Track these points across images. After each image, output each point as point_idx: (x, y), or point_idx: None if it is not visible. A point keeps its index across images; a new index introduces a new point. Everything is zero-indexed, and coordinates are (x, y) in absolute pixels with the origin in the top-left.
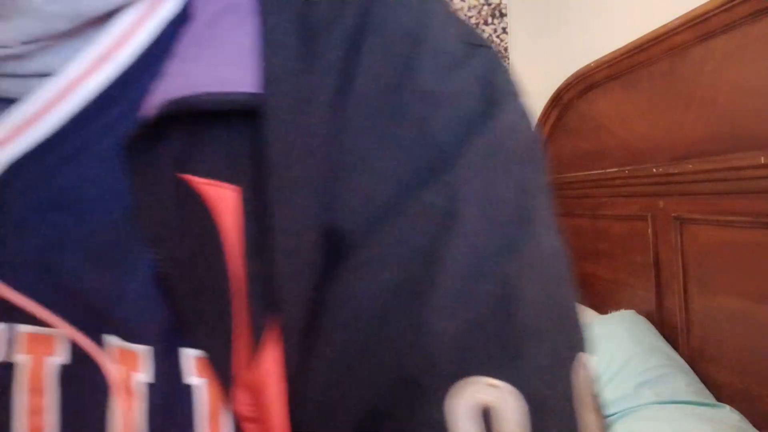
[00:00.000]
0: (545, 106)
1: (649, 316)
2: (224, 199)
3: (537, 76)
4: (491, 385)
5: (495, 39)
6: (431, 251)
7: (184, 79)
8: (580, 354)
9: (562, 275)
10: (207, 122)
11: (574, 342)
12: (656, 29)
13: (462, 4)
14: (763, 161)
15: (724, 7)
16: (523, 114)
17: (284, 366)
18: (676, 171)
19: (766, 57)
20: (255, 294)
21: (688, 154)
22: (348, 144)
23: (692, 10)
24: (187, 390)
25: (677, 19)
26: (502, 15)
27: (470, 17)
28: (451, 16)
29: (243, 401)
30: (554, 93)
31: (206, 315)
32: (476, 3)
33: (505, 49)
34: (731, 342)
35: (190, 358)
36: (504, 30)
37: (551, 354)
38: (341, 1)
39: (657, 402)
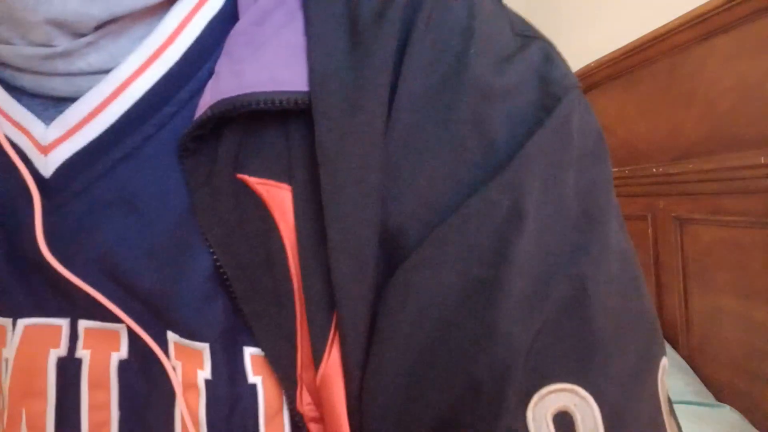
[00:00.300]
0: None
1: None
2: (279, 199)
3: None
4: (569, 391)
5: None
6: (497, 252)
7: (236, 78)
8: (663, 359)
9: (634, 277)
10: (261, 121)
11: (654, 347)
12: (656, 29)
13: None
14: (763, 161)
15: (724, 7)
16: (582, 106)
17: (344, 367)
18: (676, 171)
19: (766, 57)
20: (314, 294)
21: (689, 153)
22: (402, 141)
23: (692, 10)
24: (246, 387)
25: (677, 19)
26: None
27: None
28: (504, 8)
29: (306, 401)
30: None
31: (268, 314)
32: None
33: None
34: (731, 341)
35: (249, 356)
36: None
37: (632, 361)
38: None
39: None
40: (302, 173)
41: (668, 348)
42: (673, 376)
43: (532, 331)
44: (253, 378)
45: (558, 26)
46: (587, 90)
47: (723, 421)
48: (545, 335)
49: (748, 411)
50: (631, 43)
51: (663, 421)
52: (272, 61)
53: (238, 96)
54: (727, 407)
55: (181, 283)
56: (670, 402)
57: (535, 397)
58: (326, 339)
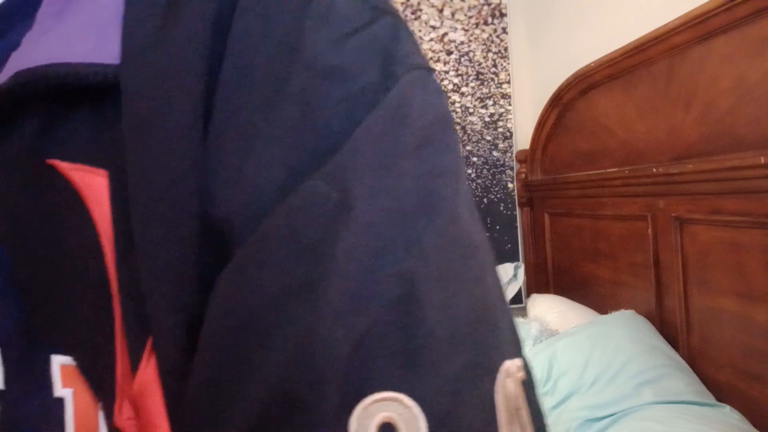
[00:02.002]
0: (545, 106)
1: (649, 316)
2: (94, 186)
3: (537, 75)
4: (394, 400)
5: (495, 39)
6: (323, 249)
7: (39, 50)
8: (506, 362)
9: (474, 273)
10: (72, 99)
11: (495, 349)
12: (656, 29)
13: (462, 4)
14: (763, 161)
15: (724, 7)
16: (426, 87)
17: (161, 376)
18: (676, 171)
19: (766, 57)
20: (129, 295)
21: (688, 154)
22: (228, 123)
23: (692, 10)
24: (51, 402)
25: (677, 19)
26: (502, 15)
27: (470, 17)
28: None
29: (127, 415)
30: (554, 93)
31: (80, 319)
32: (476, 3)
33: (505, 49)
34: (731, 341)
35: (58, 366)
36: (504, 30)
37: (463, 364)
38: None
39: (657, 402)
40: (118, 156)
41: (668, 348)
42: (673, 376)
43: (356, 336)
44: (61, 390)
45: (558, 26)
46: (587, 90)
47: (723, 421)
48: (370, 339)
49: (748, 411)
50: (631, 43)
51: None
52: (82, 31)
53: (38, 67)
54: (727, 407)
55: None
56: (530, 406)
57: (359, 408)
58: (143, 344)
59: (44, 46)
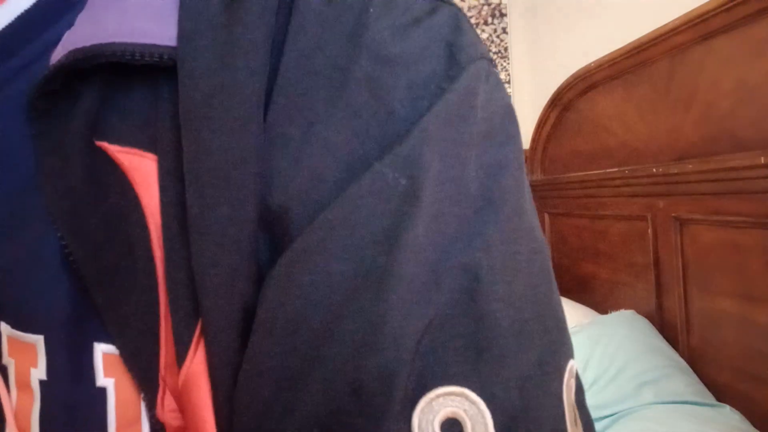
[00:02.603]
0: (545, 107)
1: (649, 316)
2: (143, 170)
3: (537, 75)
4: (459, 395)
5: (495, 39)
6: (390, 237)
7: (95, 28)
8: (571, 362)
9: (539, 269)
10: (126, 81)
11: (558, 348)
12: (656, 29)
13: (462, 4)
14: (763, 161)
15: (724, 7)
16: (490, 79)
17: (210, 368)
18: (676, 171)
19: (766, 57)
20: (179, 281)
21: (689, 154)
22: (290, 107)
23: (692, 10)
24: (94, 391)
25: (677, 19)
26: (502, 15)
27: (470, 17)
28: None
29: (170, 407)
30: (554, 93)
31: (126, 305)
32: (476, 3)
33: (505, 49)
34: (731, 342)
35: (100, 354)
36: (504, 30)
37: (532, 362)
38: None
39: (657, 402)
40: (170, 141)
41: (668, 348)
42: (673, 377)
43: (422, 328)
44: (103, 380)
45: (558, 26)
46: (587, 90)
47: (723, 422)
48: (435, 332)
49: (748, 412)
50: (631, 43)
51: (565, 430)
52: (138, 12)
53: (94, 45)
54: (727, 407)
55: (17, 262)
56: (579, 409)
57: (422, 402)
58: (191, 335)
59: (99, 25)
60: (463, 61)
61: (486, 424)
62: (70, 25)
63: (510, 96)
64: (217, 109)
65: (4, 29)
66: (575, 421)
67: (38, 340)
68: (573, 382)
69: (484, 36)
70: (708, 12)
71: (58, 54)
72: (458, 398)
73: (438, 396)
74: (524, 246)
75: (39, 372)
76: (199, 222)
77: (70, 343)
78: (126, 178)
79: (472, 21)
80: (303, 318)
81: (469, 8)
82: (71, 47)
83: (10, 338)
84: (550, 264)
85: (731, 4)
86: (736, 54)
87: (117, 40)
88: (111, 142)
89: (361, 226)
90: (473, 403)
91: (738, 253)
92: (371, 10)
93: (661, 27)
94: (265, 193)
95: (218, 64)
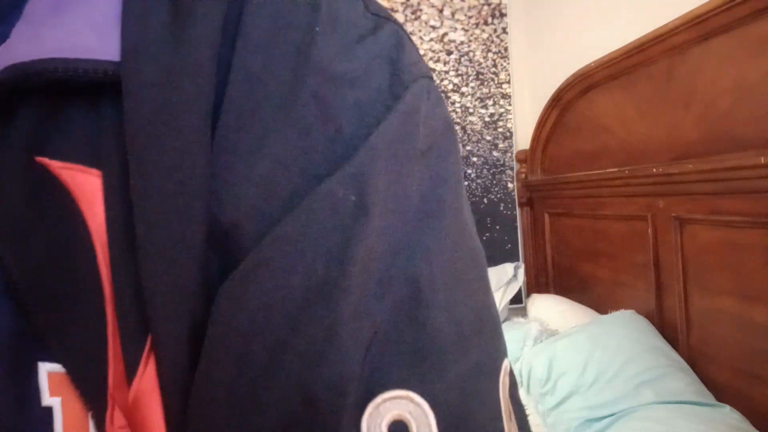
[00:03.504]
0: (545, 106)
1: (648, 316)
2: (87, 187)
3: (537, 75)
4: (404, 398)
5: (495, 39)
6: (342, 250)
7: (33, 44)
8: (505, 361)
9: (476, 276)
10: (65, 97)
11: (494, 349)
12: (656, 29)
13: (462, 4)
14: (763, 161)
15: (724, 7)
16: (431, 96)
17: (161, 384)
18: (676, 171)
19: (765, 57)
20: (126, 298)
21: (688, 154)
22: (238, 125)
23: (692, 10)
24: (39, 412)
25: (677, 19)
26: (502, 15)
27: (470, 17)
28: None
29: (119, 424)
30: (554, 93)
31: (71, 324)
32: (476, 3)
33: (505, 49)
34: (731, 341)
35: (45, 373)
36: (504, 30)
37: (471, 364)
38: None
39: (657, 402)
40: (115, 157)
41: (668, 348)
42: (673, 376)
43: (369, 337)
44: (49, 399)
45: (558, 26)
46: (587, 90)
47: (723, 421)
48: (381, 340)
49: (748, 411)
50: (631, 43)
51: (502, 427)
52: (79, 27)
53: (33, 61)
54: (727, 407)
55: None
56: (513, 404)
57: (370, 407)
58: (140, 352)
59: (39, 39)
60: (406, 80)
61: (429, 424)
62: (3, 37)
63: (448, 110)
64: (164, 126)
65: None
66: (510, 416)
67: None
68: (507, 379)
69: (484, 36)
70: (707, 12)
71: None
72: (404, 401)
73: (384, 400)
74: (462, 254)
75: None
76: (146, 240)
77: (13, 365)
78: (69, 195)
79: (472, 21)
80: (255, 332)
81: (469, 8)
82: (8, 63)
83: None
84: (487, 269)
85: (730, 3)
86: (735, 53)
87: (58, 55)
88: (52, 158)
89: (313, 240)
90: (417, 405)
91: (737, 252)
92: (317, 28)
93: (661, 27)
94: (215, 209)
95: (164, 81)
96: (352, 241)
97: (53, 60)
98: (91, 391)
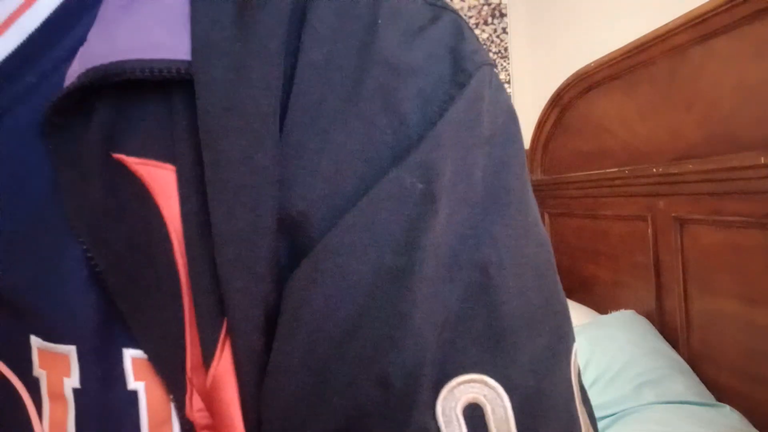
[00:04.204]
0: (545, 106)
1: (649, 317)
2: (162, 181)
3: (537, 75)
4: (478, 382)
5: (495, 39)
6: (410, 238)
7: (109, 44)
8: (575, 345)
9: (544, 261)
10: (138, 93)
11: (565, 332)
12: (656, 29)
13: (462, 4)
14: (763, 161)
15: (724, 8)
16: (493, 83)
17: (237, 368)
18: (676, 171)
19: (766, 57)
20: (203, 287)
21: (689, 154)
22: (305, 118)
23: (692, 11)
24: (125, 395)
25: (677, 19)
26: (502, 15)
27: (470, 17)
28: None
29: (197, 407)
30: (554, 93)
31: (151, 311)
32: (476, 3)
33: (505, 49)
34: (731, 342)
35: (129, 359)
36: (504, 30)
37: (543, 346)
38: None
39: (657, 402)
40: (188, 152)
41: (668, 348)
42: (673, 377)
43: (441, 322)
44: (134, 384)
45: (558, 26)
46: (587, 90)
47: (723, 422)
48: (453, 325)
49: (748, 412)
50: (631, 43)
51: (575, 409)
52: (151, 26)
53: (111, 63)
54: (727, 407)
55: (43, 276)
56: (583, 389)
57: (444, 390)
58: (217, 337)
59: (113, 42)
60: (469, 69)
61: (504, 407)
62: (81, 38)
63: (510, 95)
64: (235, 121)
65: (16, 49)
66: (582, 400)
67: (71, 350)
68: (577, 361)
69: (484, 36)
70: (708, 12)
71: (74, 73)
72: (478, 384)
73: (459, 384)
74: (530, 240)
75: (72, 381)
76: (222, 230)
77: (101, 351)
78: (145, 189)
79: (472, 21)
80: (327, 316)
81: (469, 8)
82: (88, 65)
83: (41, 351)
84: (553, 254)
85: (731, 4)
86: (737, 54)
87: (132, 56)
88: (128, 154)
89: (382, 228)
90: (492, 388)
91: (738, 253)
92: (380, 21)
93: (661, 27)
94: (285, 200)
95: (234, 77)
96: (420, 228)
97: (129, 61)
98: (171, 375)
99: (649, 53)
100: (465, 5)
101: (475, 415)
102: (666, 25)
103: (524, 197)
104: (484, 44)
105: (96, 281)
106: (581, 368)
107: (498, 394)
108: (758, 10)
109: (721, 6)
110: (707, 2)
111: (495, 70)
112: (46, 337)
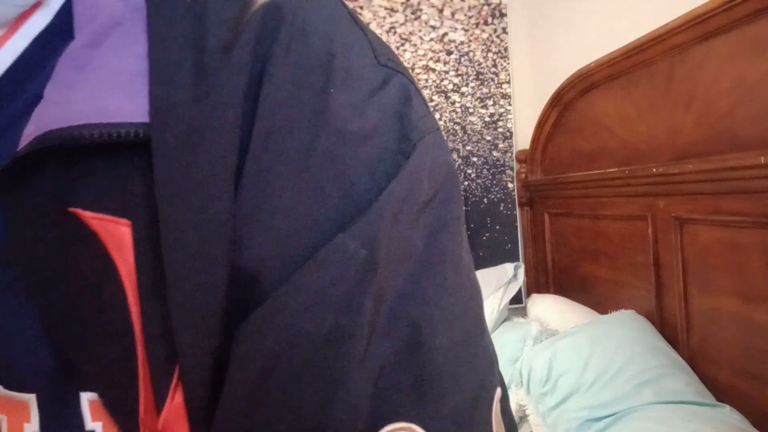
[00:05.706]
0: (545, 106)
1: (648, 316)
2: (117, 236)
3: (537, 76)
4: (407, 429)
5: (495, 39)
6: (351, 301)
7: (64, 108)
8: (497, 390)
9: (472, 318)
10: (91, 151)
11: (489, 383)
12: (656, 29)
13: (462, 4)
14: (763, 161)
15: (724, 7)
16: (436, 146)
17: (188, 413)
18: (676, 171)
19: (766, 57)
20: (156, 336)
21: (688, 154)
22: (259, 182)
23: (692, 10)
24: None
25: (677, 19)
26: (502, 15)
27: (470, 17)
28: (363, 33)
29: None
30: (554, 93)
31: (105, 358)
32: (476, 3)
33: (505, 49)
34: (731, 342)
35: (86, 401)
36: (504, 30)
37: (466, 397)
38: (239, 23)
39: (657, 402)
40: (143, 208)
41: (668, 348)
42: (673, 376)
43: (375, 376)
44: (91, 425)
45: (558, 26)
46: (587, 90)
47: (723, 421)
48: (385, 377)
49: (748, 411)
50: (631, 43)
51: None
52: (108, 87)
53: (69, 127)
54: (727, 407)
55: (1, 330)
56: (504, 416)
57: None
58: (169, 382)
59: (69, 104)
60: (414, 138)
61: None
62: (37, 95)
63: (452, 158)
64: (190, 183)
65: None
66: None
67: (31, 398)
68: (499, 405)
69: (484, 36)
70: (708, 12)
71: (30, 134)
72: None
73: (390, 431)
74: (460, 297)
75: (32, 426)
76: (174, 285)
77: (59, 397)
78: (100, 242)
79: (472, 21)
80: (270, 371)
81: (469, 8)
82: (44, 129)
83: (2, 397)
84: (482, 307)
85: (731, 4)
86: (736, 53)
87: (90, 120)
88: (84, 208)
89: (326, 290)
90: None
91: (738, 252)
92: (332, 90)
93: (661, 27)
94: (238, 257)
95: (190, 141)
96: (361, 292)
97: (87, 126)
98: (124, 417)
99: (649, 53)
100: (465, 5)
101: None
102: (665, 24)
103: (458, 255)
104: (484, 44)
105: (48, 329)
106: (582, 367)
107: None
108: (757, 9)
109: (720, 6)
110: (707, 2)
111: (439, 133)
112: (7, 386)
